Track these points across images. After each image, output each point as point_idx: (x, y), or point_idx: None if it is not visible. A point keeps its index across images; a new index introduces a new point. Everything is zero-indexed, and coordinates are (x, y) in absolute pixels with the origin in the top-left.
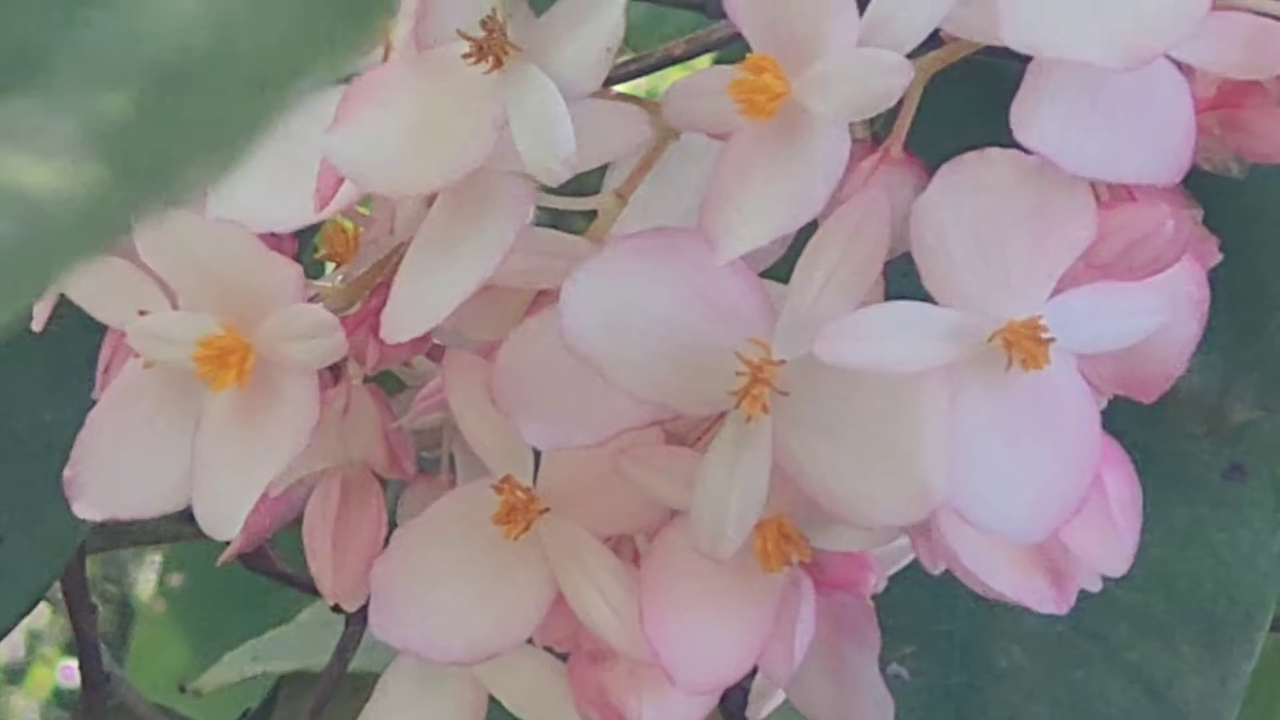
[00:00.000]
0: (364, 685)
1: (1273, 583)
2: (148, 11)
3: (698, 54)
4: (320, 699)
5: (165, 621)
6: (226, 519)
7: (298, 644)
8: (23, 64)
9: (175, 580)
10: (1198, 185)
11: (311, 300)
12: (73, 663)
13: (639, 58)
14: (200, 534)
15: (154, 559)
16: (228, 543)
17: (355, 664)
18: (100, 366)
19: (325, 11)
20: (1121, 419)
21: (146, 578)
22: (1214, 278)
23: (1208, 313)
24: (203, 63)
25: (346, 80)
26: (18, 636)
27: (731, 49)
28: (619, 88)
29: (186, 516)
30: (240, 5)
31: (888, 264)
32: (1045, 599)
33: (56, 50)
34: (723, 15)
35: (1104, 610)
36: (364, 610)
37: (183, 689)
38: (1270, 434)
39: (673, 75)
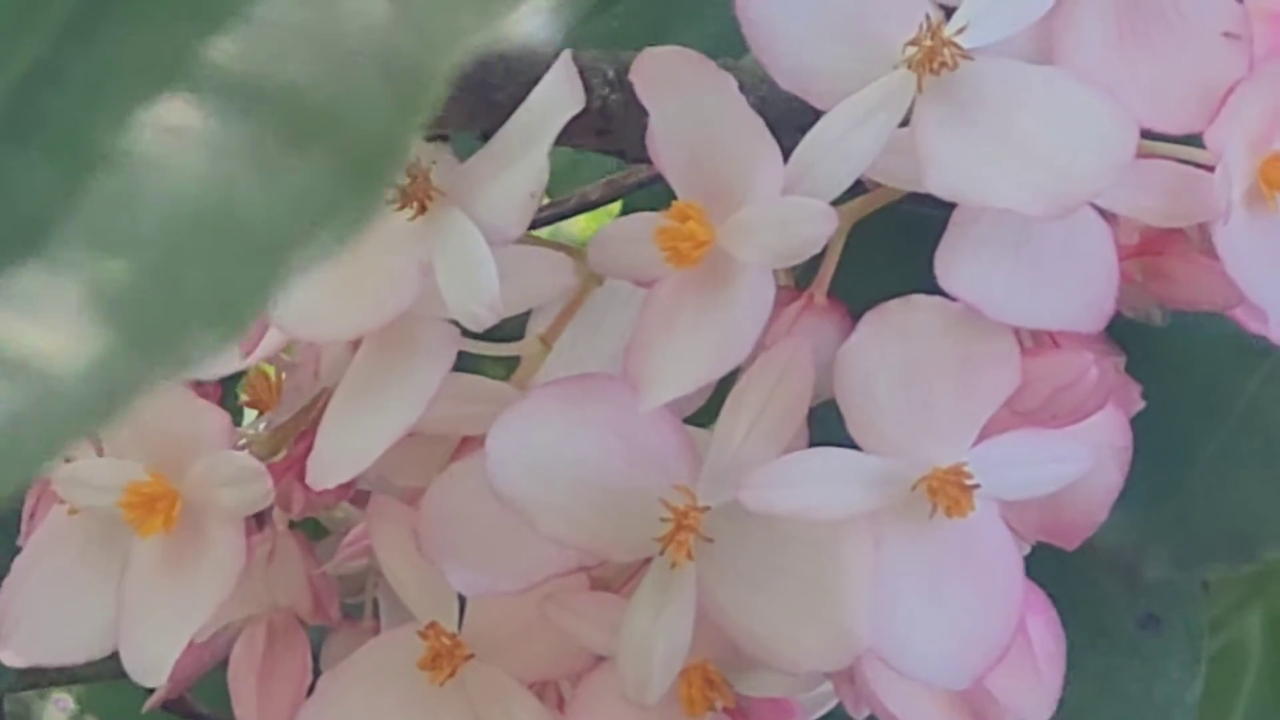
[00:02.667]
0: None
1: None
2: (151, 175)
3: (614, 198)
4: None
5: None
6: (154, 665)
7: None
8: (26, 232)
9: None
10: (1121, 332)
11: (238, 447)
12: None
13: (556, 202)
14: (120, 674)
15: (59, 697)
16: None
17: None
18: (25, 513)
19: (329, 179)
20: (1038, 567)
21: (53, 717)
22: (1134, 431)
23: (1129, 461)
24: (206, 228)
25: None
26: None
27: (649, 193)
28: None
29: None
30: (244, 170)
31: (812, 410)
32: None
33: (59, 217)
34: (640, 160)
35: None
36: None
37: None
38: (1185, 585)
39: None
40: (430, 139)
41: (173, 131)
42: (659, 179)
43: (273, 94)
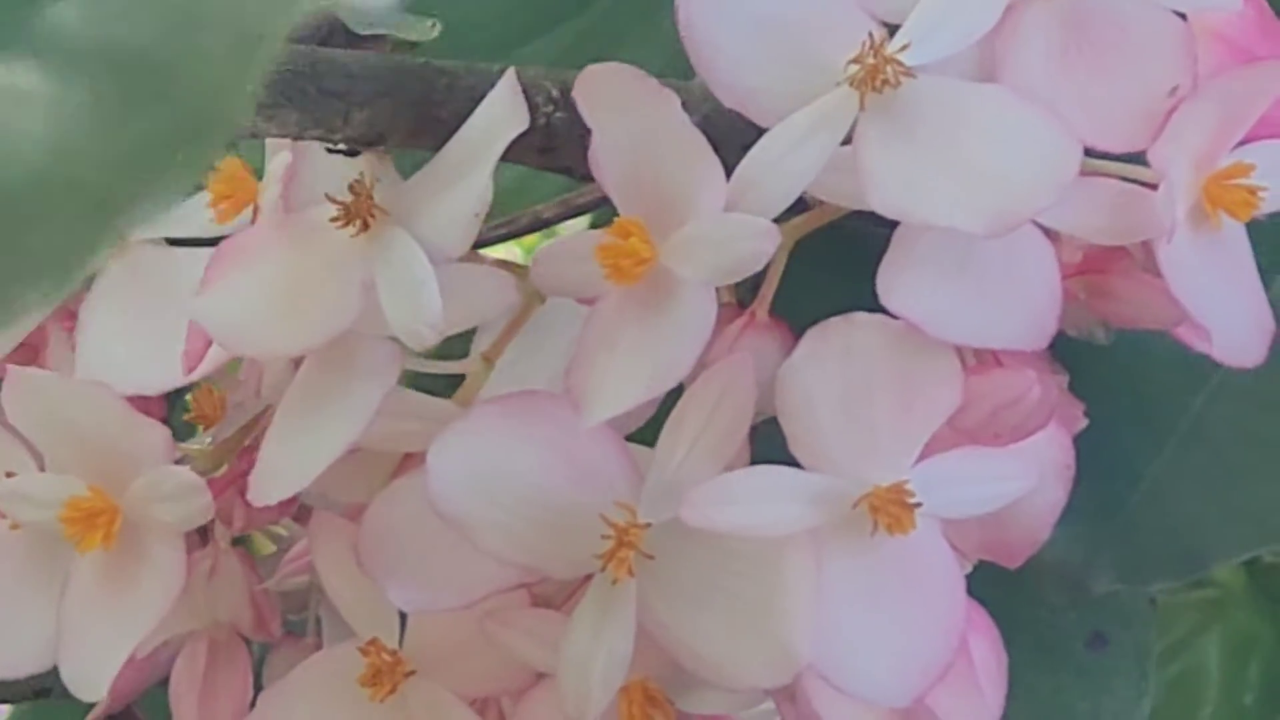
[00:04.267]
0: None
1: None
2: None
3: (567, 217)
4: None
5: None
6: (94, 680)
7: None
8: None
9: None
10: (1064, 351)
11: (179, 462)
12: None
13: (508, 220)
14: (64, 693)
15: None
16: (88, 704)
17: None
18: None
19: (165, 135)
20: (985, 586)
21: None
22: (1078, 447)
23: (1072, 479)
24: (39, 185)
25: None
26: None
27: (602, 212)
28: (491, 250)
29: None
30: (80, 128)
31: (754, 428)
32: None
33: None
34: (588, 179)
35: None
36: None
37: None
38: (1133, 603)
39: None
40: (374, 154)
41: (12, 95)
42: (610, 199)
43: (112, 55)
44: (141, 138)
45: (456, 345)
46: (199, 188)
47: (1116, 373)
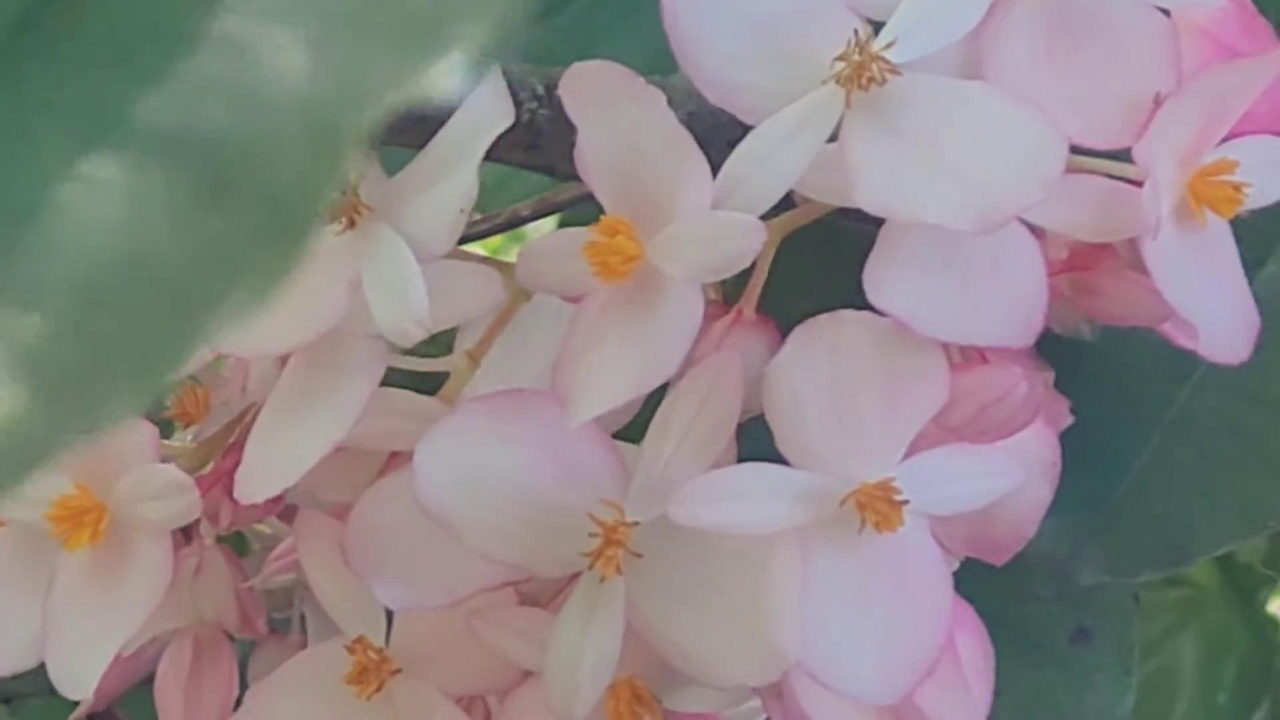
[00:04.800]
0: None
1: None
2: (67, 228)
3: (546, 214)
4: None
5: None
6: (80, 679)
7: None
8: None
9: None
10: (1049, 348)
11: (165, 460)
12: None
13: (487, 218)
14: (51, 691)
15: None
16: (72, 701)
17: None
18: None
19: (247, 231)
20: (968, 582)
21: None
22: (1064, 441)
23: (1058, 476)
24: (121, 282)
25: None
26: None
27: (579, 210)
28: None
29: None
30: (161, 222)
31: (741, 425)
32: None
33: None
34: (571, 177)
35: None
36: None
37: None
38: (1117, 598)
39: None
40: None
41: (91, 184)
42: (590, 197)
43: (190, 146)
44: (221, 233)
45: (440, 344)
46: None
47: (1102, 367)
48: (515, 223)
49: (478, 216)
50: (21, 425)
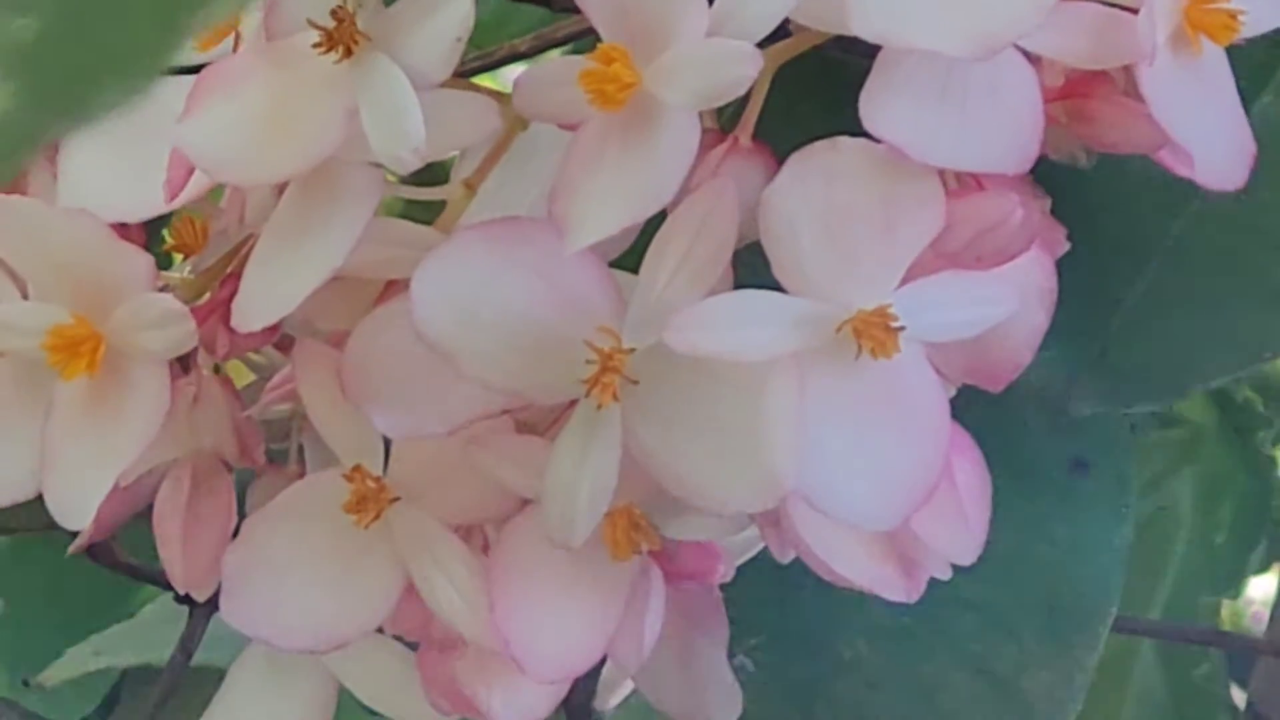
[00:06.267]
0: (209, 679)
1: (1115, 576)
2: None
3: (544, 50)
4: (165, 691)
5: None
6: (78, 508)
7: (141, 638)
8: None
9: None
10: (1046, 175)
11: (162, 290)
12: None
13: (485, 54)
14: (49, 526)
15: None
16: (71, 533)
17: (199, 658)
18: None
19: None
20: (965, 412)
21: None
22: (1060, 272)
23: (1055, 303)
24: None
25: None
26: None
27: (579, 45)
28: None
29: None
30: None
31: (737, 253)
32: (895, 587)
33: None
34: (569, 11)
35: (949, 602)
36: (207, 604)
37: (26, 683)
38: (1114, 429)
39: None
40: None
41: None
42: (588, 32)
43: None
44: None
45: (437, 173)
46: None
47: (1098, 197)
48: (513, 57)
49: (475, 53)
50: (12, 117)
